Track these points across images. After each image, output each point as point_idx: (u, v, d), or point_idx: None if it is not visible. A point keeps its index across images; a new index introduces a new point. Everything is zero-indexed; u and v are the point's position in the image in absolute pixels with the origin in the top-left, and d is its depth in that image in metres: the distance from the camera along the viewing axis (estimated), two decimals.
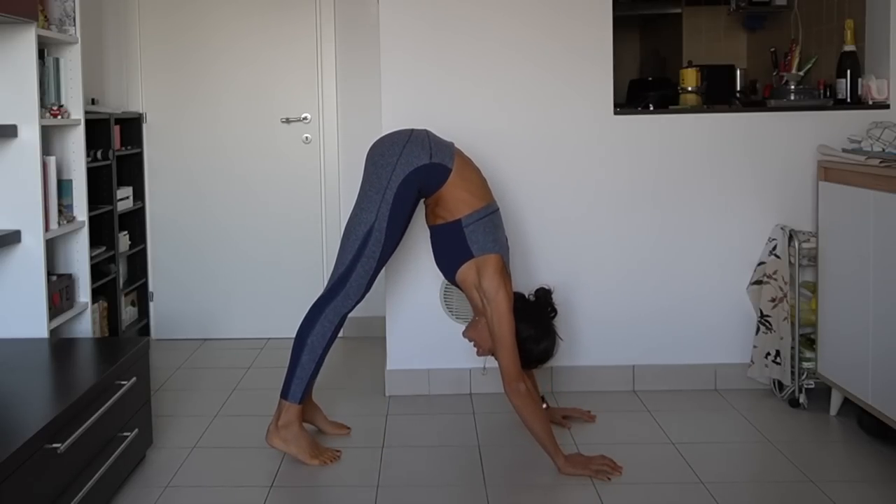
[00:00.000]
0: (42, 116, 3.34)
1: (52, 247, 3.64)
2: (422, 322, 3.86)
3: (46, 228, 3.35)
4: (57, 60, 3.57)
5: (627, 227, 3.84)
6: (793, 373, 3.61)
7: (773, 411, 3.59)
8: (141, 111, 4.87)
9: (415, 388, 3.86)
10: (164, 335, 4.90)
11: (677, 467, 3.06)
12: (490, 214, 3.18)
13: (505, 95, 3.81)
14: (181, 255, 4.92)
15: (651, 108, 3.86)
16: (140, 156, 4.84)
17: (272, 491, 2.92)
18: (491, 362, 3.24)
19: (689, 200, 3.83)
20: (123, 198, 4.53)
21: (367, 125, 4.75)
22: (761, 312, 3.70)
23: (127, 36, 4.85)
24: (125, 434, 2.86)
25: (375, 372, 4.11)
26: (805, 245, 3.62)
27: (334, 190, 4.89)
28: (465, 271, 3.14)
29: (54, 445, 2.32)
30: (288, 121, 4.89)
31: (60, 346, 3.19)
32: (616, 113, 3.82)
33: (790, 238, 3.63)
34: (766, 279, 3.69)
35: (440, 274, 3.79)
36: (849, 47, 3.83)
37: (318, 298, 3.19)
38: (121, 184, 4.58)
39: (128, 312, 4.67)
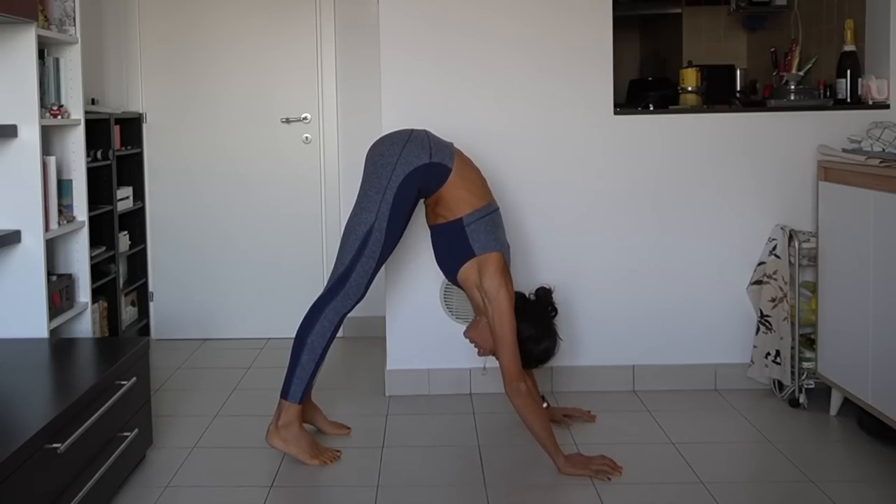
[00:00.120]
0: (42, 116, 3.34)
1: (52, 247, 3.64)
2: (422, 322, 3.86)
3: (46, 228, 3.35)
4: (57, 60, 3.57)
5: (627, 227, 3.84)
6: (793, 373, 3.61)
7: (773, 411, 3.59)
8: (141, 111, 4.87)
9: (415, 388, 3.86)
10: (164, 335, 4.90)
11: (677, 467, 3.06)
12: (491, 213, 3.19)
13: (505, 95, 3.81)
14: (181, 255, 4.92)
15: (651, 108, 3.86)
16: (140, 156, 4.84)
17: (272, 491, 2.92)
18: (492, 362, 3.24)
19: (689, 200, 3.83)
20: (123, 198, 4.53)
21: (367, 125, 4.75)
22: (761, 312, 3.70)
23: (127, 36, 4.85)
24: (125, 434, 2.86)
25: (375, 372, 4.11)
26: (805, 245, 3.62)
27: (334, 190, 4.89)
28: (467, 270, 3.15)
29: (54, 445, 2.32)
30: (288, 121, 4.89)
31: (60, 346, 3.19)
32: (616, 113, 3.82)
33: (790, 238, 3.63)
34: (766, 279, 3.69)
35: (440, 274, 3.80)
36: (849, 47, 3.83)
37: (318, 298, 3.19)
38: (121, 184, 4.58)
39: (128, 312, 4.67)
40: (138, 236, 4.80)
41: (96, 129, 4.24)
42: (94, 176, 4.15)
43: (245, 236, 4.91)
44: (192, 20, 4.86)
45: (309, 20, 4.85)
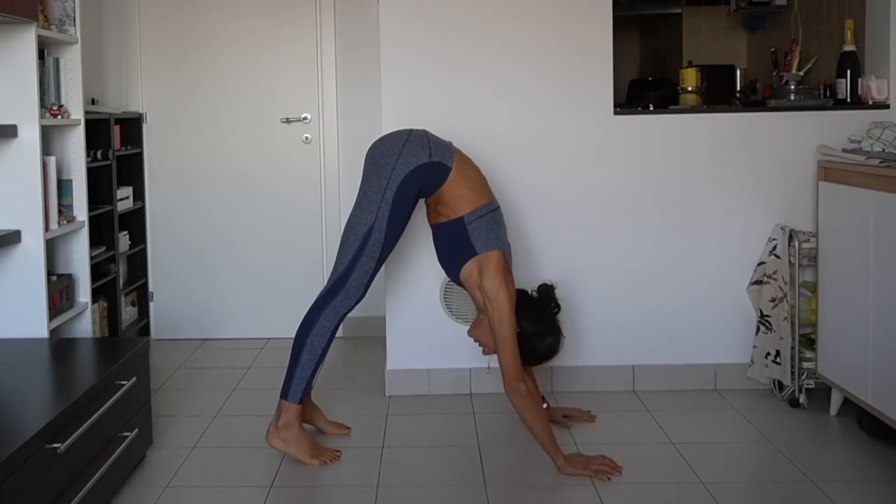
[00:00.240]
0: (42, 116, 3.34)
1: (52, 247, 3.64)
2: (422, 322, 3.86)
3: (46, 228, 3.35)
4: (57, 60, 3.57)
5: (627, 227, 3.84)
6: (793, 373, 3.61)
7: (773, 411, 3.59)
8: (141, 111, 4.87)
9: (415, 388, 3.86)
10: (164, 335, 4.90)
11: (677, 467, 3.06)
12: (492, 211, 3.19)
13: (505, 95, 3.81)
14: (181, 255, 4.92)
15: (651, 108, 3.86)
16: (140, 156, 4.84)
17: (272, 491, 2.92)
18: (495, 361, 3.24)
19: (689, 200, 3.83)
20: (123, 198, 4.53)
21: (367, 125, 4.75)
22: (761, 312, 3.70)
23: (127, 36, 4.85)
24: (125, 434, 2.86)
25: (375, 372, 4.11)
26: (805, 245, 3.62)
27: (334, 190, 4.89)
28: (468, 269, 3.15)
29: (54, 445, 2.32)
30: (288, 121, 4.89)
31: (60, 346, 3.19)
32: (616, 113, 3.82)
33: (790, 238, 3.63)
34: (766, 279, 3.69)
35: (440, 274, 3.80)
36: (849, 47, 3.83)
37: (318, 298, 3.19)
38: (121, 184, 4.58)
39: (128, 312, 4.67)
40: (138, 236, 4.80)
41: (96, 129, 4.24)
42: (94, 176, 4.15)
43: (245, 236, 4.91)
44: (192, 20, 4.86)
45: (309, 20, 4.85)
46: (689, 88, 4.01)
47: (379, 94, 3.95)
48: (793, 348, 3.60)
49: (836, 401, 3.52)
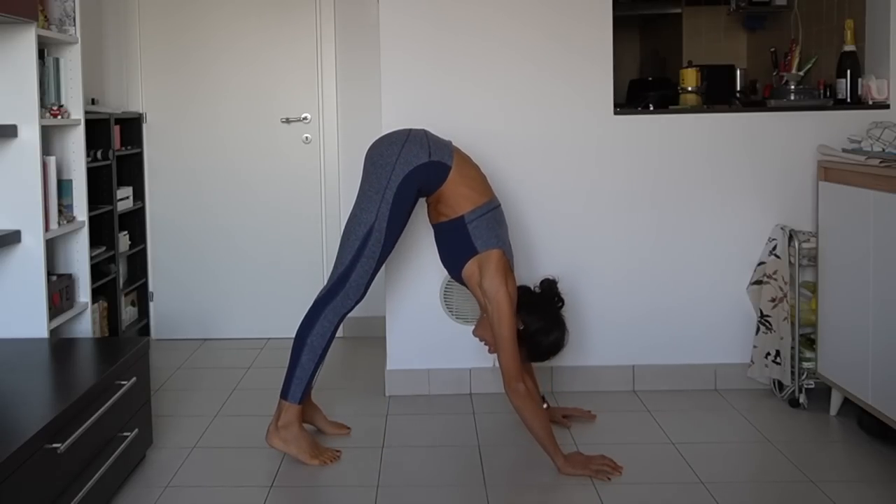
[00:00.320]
0: (42, 116, 3.34)
1: (52, 247, 3.64)
2: (422, 322, 3.86)
3: (46, 228, 3.35)
4: (57, 60, 3.57)
5: (627, 227, 3.84)
6: (793, 373, 3.61)
7: (773, 411, 3.59)
8: (141, 111, 4.87)
9: (415, 388, 3.86)
10: (164, 335, 4.90)
11: (677, 467, 3.06)
12: (493, 210, 3.19)
13: (505, 96, 3.81)
14: (181, 255, 4.92)
15: (651, 108, 3.86)
16: (140, 156, 4.84)
17: (272, 491, 2.92)
18: None
19: (689, 200, 3.83)
20: (123, 198, 4.53)
21: (367, 125, 4.75)
22: (761, 312, 3.70)
23: (127, 36, 4.85)
24: (125, 434, 2.86)
25: (375, 372, 4.11)
26: (805, 245, 3.62)
27: (334, 190, 4.89)
28: (470, 268, 3.15)
29: (54, 445, 2.32)
30: (288, 121, 4.89)
31: (60, 346, 3.19)
32: (616, 113, 3.82)
33: (790, 238, 3.63)
34: (766, 279, 3.69)
35: (440, 273, 3.80)
36: (849, 47, 3.83)
37: (318, 298, 3.19)
38: (121, 184, 4.58)
39: (128, 312, 4.67)
40: (138, 236, 4.80)
41: (96, 129, 4.24)
42: (94, 176, 4.15)
43: (245, 236, 4.91)
44: (192, 20, 4.86)
45: (309, 20, 4.85)
46: (689, 88, 4.01)
47: (379, 94, 3.95)
48: (793, 348, 3.60)
49: (836, 401, 3.52)
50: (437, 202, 3.22)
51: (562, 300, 3.24)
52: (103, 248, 4.25)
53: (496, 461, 3.13)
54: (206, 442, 3.34)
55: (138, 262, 4.86)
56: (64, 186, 3.62)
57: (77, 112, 3.64)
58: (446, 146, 3.24)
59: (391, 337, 3.89)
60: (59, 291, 3.49)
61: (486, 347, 3.27)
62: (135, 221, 4.77)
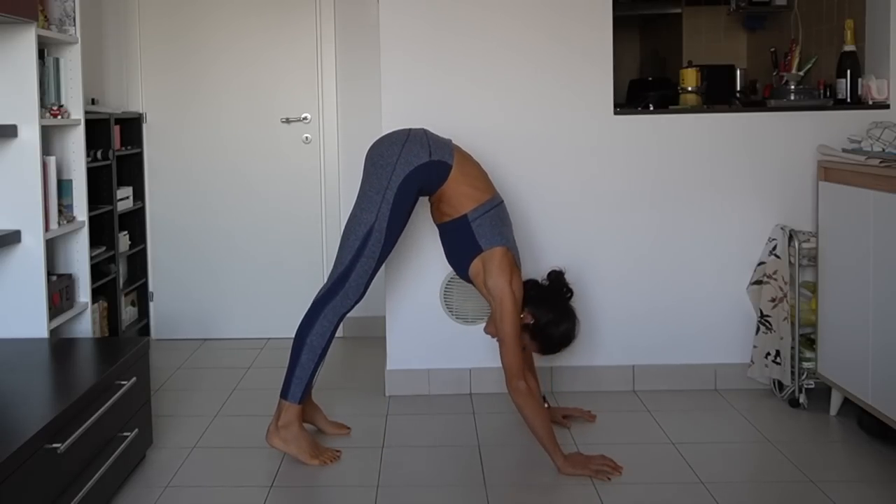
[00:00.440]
0: (42, 116, 3.34)
1: (52, 247, 3.64)
2: (422, 322, 3.86)
3: (46, 228, 3.35)
4: (57, 60, 3.57)
5: (627, 227, 3.84)
6: (793, 373, 3.61)
7: (773, 411, 3.59)
8: (141, 111, 4.87)
9: (415, 388, 3.86)
10: (164, 335, 4.90)
11: (677, 467, 3.06)
12: (496, 207, 3.20)
13: (505, 96, 3.81)
14: (181, 255, 4.92)
15: (651, 108, 3.86)
16: (140, 156, 4.84)
17: (272, 491, 2.92)
18: None
19: (689, 200, 3.83)
20: (123, 198, 4.53)
21: (367, 125, 4.75)
22: (761, 312, 3.70)
23: (127, 36, 4.85)
24: (125, 434, 2.86)
25: (375, 372, 4.11)
26: (805, 245, 3.62)
27: (334, 190, 4.89)
28: (475, 267, 3.16)
29: (54, 445, 2.32)
30: (288, 121, 4.89)
31: (60, 346, 3.19)
32: (616, 113, 3.82)
33: (790, 238, 3.63)
34: (766, 279, 3.69)
35: (440, 273, 3.81)
36: (849, 47, 3.83)
37: (317, 298, 3.19)
38: (121, 184, 4.58)
39: (128, 312, 4.67)
40: (138, 236, 4.80)
41: (96, 129, 4.24)
42: (94, 176, 4.15)
43: (245, 236, 4.91)
44: (192, 20, 4.86)
45: (309, 20, 4.85)
46: (689, 88, 4.01)
47: (379, 94, 3.95)
48: (793, 348, 3.60)
49: (836, 401, 3.52)
50: (439, 202, 3.22)
51: (570, 291, 3.24)
52: (103, 248, 4.25)
53: (496, 461, 3.13)
54: (206, 442, 3.34)
55: (138, 262, 4.86)
56: (64, 186, 3.62)
57: (77, 112, 3.64)
58: (446, 145, 3.24)
59: (391, 337, 3.89)
60: (59, 291, 3.49)
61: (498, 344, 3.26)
62: (135, 221, 4.77)
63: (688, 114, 3.83)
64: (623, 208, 3.84)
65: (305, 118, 4.89)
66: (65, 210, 3.62)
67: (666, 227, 3.84)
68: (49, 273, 3.45)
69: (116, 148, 4.44)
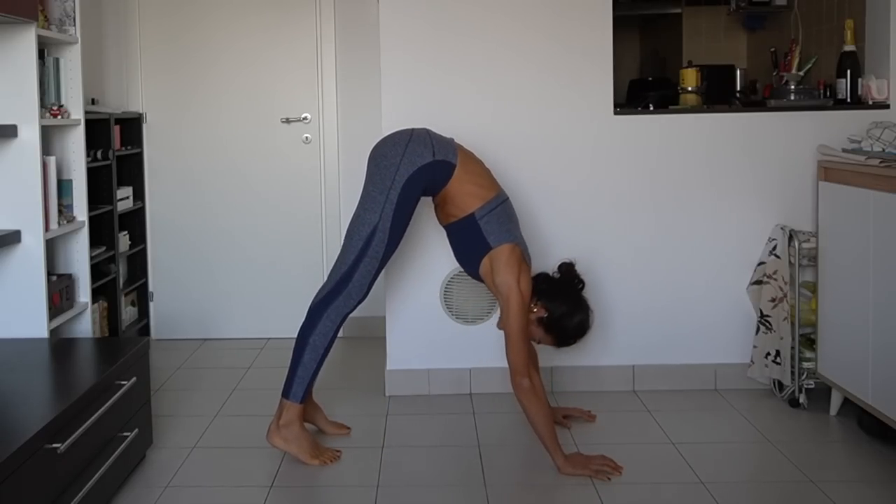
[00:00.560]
0: (42, 116, 3.34)
1: (52, 247, 3.64)
2: (422, 322, 3.86)
3: (46, 228, 3.35)
4: (57, 60, 3.57)
5: (627, 227, 3.84)
6: (793, 373, 3.61)
7: (773, 411, 3.59)
8: (141, 111, 4.87)
9: (415, 388, 3.86)
10: (164, 335, 4.90)
11: (677, 467, 3.06)
12: (502, 204, 3.20)
13: (505, 96, 3.81)
14: (181, 255, 4.92)
15: (651, 108, 3.86)
16: (140, 156, 4.84)
17: (272, 491, 2.92)
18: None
19: (689, 200, 3.83)
20: (123, 198, 4.53)
21: (367, 125, 4.75)
22: (761, 312, 3.70)
23: (127, 36, 4.85)
24: (125, 434, 2.86)
25: (375, 372, 4.11)
26: (805, 245, 3.62)
27: (334, 190, 4.89)
28: (485, 265, 3.17)
29: (54, 445, 2.32)
30: (288, 121, 4.89)
31: (60, 346, 3.19)
32: (616, 113, 3.82)
33: (790, 238, 3.63)
34: (766, 279, 3.69)
35: (440, 273, 3.81)
36: (849, 47, 3.83)
37: (321, 298, 3.19)
38: (121, 184, 4.58)
39: (128, 312, 4.67)
40: (138, 236, 4.80)
41: (96, 129, 4.24)
42: (94, 176, 4.15)
43: (245, 236, 4.91)
44: (192, 20, 4.86)
45: (309, 20, 4.85)
46: (689, 88, 4.01)
47: (379, 94, 3.95)
48: (793, 348, 3.60)
49: (836, 401, 3.52)
50: (444, 203, 3.22)
51: (582, 282, 3.25)
52: (103, 248, 4.25)
53: (496, 461, 3.13)
54: (206, 442, 3.34)
55: (138, 262, 4.86)
56: (64, 186, 3.62)
57: (77, 112, 3.64)
58: (449, 144, 3.24)
59: (391, 337, 3.89)
60: (59, 291, 3.49)
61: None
62: (135, 221, 4.77)
63: (688, 114, 3.83)
64: (623, 208, 3.84)
65: (305, 118, 4.89)
66: (65, 210, 3.62)
67: (666, 226, 3.84)
68: (49, 273, 3.45)
69: (116, 148, 4.44)
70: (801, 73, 3.93)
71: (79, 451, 2.50)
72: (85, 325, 3.66)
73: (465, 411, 3.65)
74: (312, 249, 4.91)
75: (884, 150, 3.36)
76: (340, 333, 4.52)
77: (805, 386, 3.60)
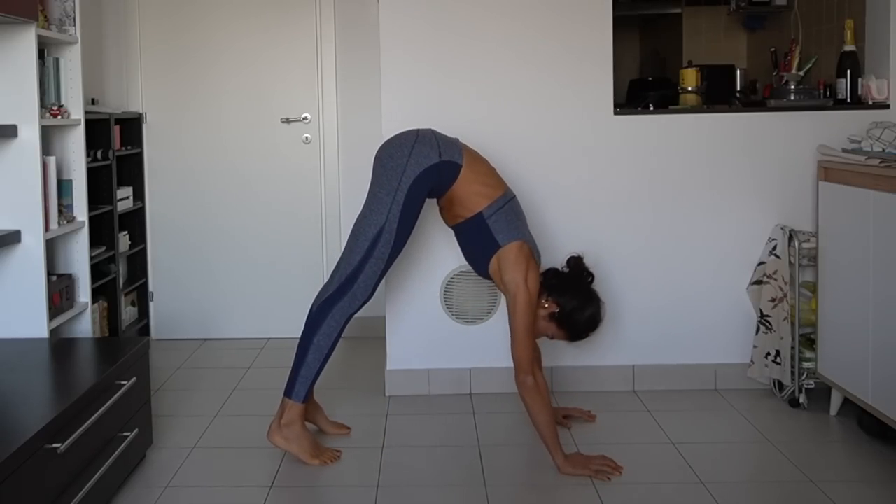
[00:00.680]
0: (42, 116, 3.34)
1: (52, 247, 3.64)
2: (422, 322, 3.86)
3: (46, 228, 3.35)
4: (57, 60, 3.57)
5: (627, 227, 3.84)
6: (793, 373, 3.61)
7: (773, 411, 3.59)
8: (141, 111, 4.87)
9: (415, 388, 3.86)
10: (164, 335, 4.90)
11: (677, 467, 3.06)
12: (509, 202, 3.21)
13: (505, 96, 3.81)
14: (181, 255, 4.92)
15: (651, 108, 3.86)
16: (140, 156, 4.84)
17: (272, 491, 2.92)
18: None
19: (689, 200, 3.83)
20: (123, 198, 4.53)
21: (367, 125, 4.75)
22: (761, 312, 3.70)
23: (127, 36, 4.85)
24: (125, 434, 2.86)
25: (375, 372, 4.11)
26: (805, 245, 3.62)
27: (334, 190, 4.89)
28: (493, 264, 3.17)
29: (54, 445, 2.32)
30: (288, 121, 4.89)
31: (60, 346, 3.19)
32: (616, 113, 3.82)
33: (790, 238, 3.63)
34: (766, 279, 3.69)
35: (440, 273, 3.81)
36: (849, 47, 3.83)
37: (325, 299, 3.18)
38: (121, 184, 4.58)
39: (128, 312, 4.67)
40: (138, 236, 4.80)
41: (96, 129, 4.24)
42: (94, 176, 4.15)
43: (245, 236, 4.91)
44: (192, 20, 4.86)
45: (309, 20, 4.85)
46: (689, 88, 4.01)
47: (379, 94, 3.95)
48: (793, 348, 3.60)
49: (836, 401, 3.52)
50: (451, 204, 3.22)
51: (591, 275, 3.25)
52: (103, 248, 4.25)
53: (496, 461, 3.13)
54: (206, 442, 3.34)
55: (138, 262, 4.86)
56: (64, 186, 3.62)
57: (77, 112, 3.64)
58: (455, 144, 3.24)
59: (391, 337, 3.89)
60: (59, 291, 3.49)
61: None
62: (135, 221, 4.77)
63: (688, 114, 3.83)
64: (623, 208, 3.84)
65: (305, 118, 4.89)
66: (65, 210, 3.62)
67: (666, 227, 3.84)
68: (49, 273, 3.45)
69: (116, 148, 4.44)
70: (801, 73, 3.93)
71: (79, 451, 2.50)
72: (85, 325, 3.66)
73: (465, 411, 3.65)
74: (312, 249, 4.91)
75: (884, 150, 3.36)
76: None
77: (805, 386, 3.60)
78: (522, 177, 3.81)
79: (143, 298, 4.88)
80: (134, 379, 2.91)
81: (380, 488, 2.92)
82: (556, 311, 3.15)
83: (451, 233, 3.36)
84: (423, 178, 3.14)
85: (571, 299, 3.15)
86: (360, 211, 3.22)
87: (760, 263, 3.78)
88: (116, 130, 4.45)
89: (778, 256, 3.65)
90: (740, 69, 5.08)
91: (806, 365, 3.61)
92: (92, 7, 4.52)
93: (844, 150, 3.51)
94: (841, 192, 3.40)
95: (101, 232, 4.27)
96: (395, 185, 3.13)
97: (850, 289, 3.32)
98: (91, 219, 3.87)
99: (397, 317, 3.88)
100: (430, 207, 3.53)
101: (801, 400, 3.60)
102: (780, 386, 3.72)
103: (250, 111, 4.88)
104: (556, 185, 3.83)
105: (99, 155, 4.19)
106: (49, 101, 3.51)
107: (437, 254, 3.83)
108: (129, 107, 4.86)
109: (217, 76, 4.87)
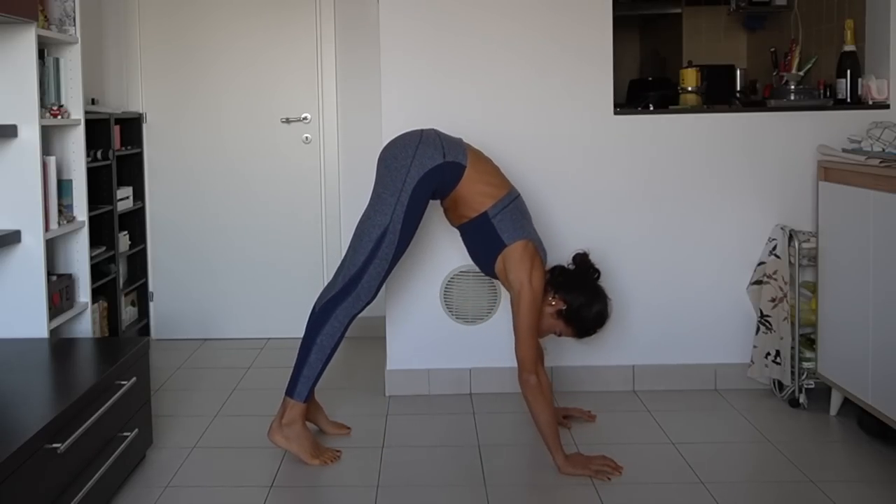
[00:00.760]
0: (42, 116, 3.34)
1: (52, 247, 3.64)
2: (422, 322, 3.86)
3: (46, 228, 3.35)
4: (57, 60, 3.57)
5: (627, 227, 3.84)
6: (793, 373, 3.61)
7: (773, 411, 3.59)
8: (141, 111, 4.87)
9: (415, 388, 3.86)
10: (164, 335, 4.90)
11: (677, 467, 3.06)
12: (514, 200, 3.21)
13: (505, 96, 3.81)
14: (181, 255, 4.92)
15: (651, 108, 3.86)
16: (140, 156, 4.84)
17: (272, 491, 2.92)
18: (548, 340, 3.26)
19: (689, 200, 3.83)
20: (123, 198, 4.53)
21: (367, 125, 4.75)
22: (761, 312, 3.70)
23: (127, 36, 4.85)
24: (125, 434, 2.86)
25: (375, 372, 4.11)
26: (805, 245, 3.62)
27: (334, 190, 4.89)
28: (499, 264, 3.17)
29: (54, 445, 2.32)
30: (288, 121, 4.89)
31: (60, 346, 3.19)
32: (616, 113, 3.82)
33: (790, 238, 3.63)
34: (766, 279, 3.69)
35: (440, 273, 3.81)
36: (849, 47, 3.83)
37: (329, 299, 3.18)
38: (121, 184, 4.58)
39: (128, 312, 4.67)
40: (138, 236, 4.80)
41: (96, 129, 4.24)
42: (94, 176, 4.15)
43: (245, 236, 4.91)
44: (192, 20, 4.86)
45: (309, 20, 4.85)
46: (689, 88, 4.01)
47: (379, 94, 3.95)
48: (793, 348, 3.60)
49: (836, 401, 3.52)
50: (455, 205, 3.22)
51: (597, 271, 3.25)
52: (103, 248, 4.25)
53: (496, 461, 3.13)
54: (206, 442, 3.34)
55: (138, 262, 4.86)
56: (64, 186, 3.62)
57: (77, 112, 3.64)
58: (458, 145, 3.24)
59: (391, 337, 3.89)
60: (59, 291, 3.49)
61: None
62: (135, 221, 4.77)
63: (688, 114, 3.83)
64: (623, 208, 3.84)
65: (305, 118, 4.89)
66: (65, 210, 3.62)
67: (666, 227, 3.84)
68: (49, 273, 3.46)
69: (116, 148, 4.44)
70: (801, 73, 3.93)
71: (79, 451, 2.50)
72: (85, 325, 3.66)
73: (465, 411, 3.65)
74: (312, 249, 4.91)
75: (884, 150, 3.36)
76: None
77: (805, 386, 3.60)
78: (522, 177, 3.81)
79: (143, 298, 4.88)
80: (134, 379, 2.91)
81: (380, 488, 2.92)
82: (564, 308, 3.15)
83: (452, 233, 3.36)
84: (427, 179, 3.14)
85: (579, 296, 3.15)
86: (362, 211, 3.22)
87: (760, 263, 3.78)
88: (116, 130, 4.45)
89: (778, 256, 3.65)
90: (740, 69, 5.08)
91: (806, 365, 3.61)
92: (92, 7, 4.52)
93: (844, 150, 3.51)
94: (841, 192, 3.40)
95: (101, 232, 4.27)
96: (399, 186, 3.13)
97: (850, 289, 3.32)
98: (91, 219, 3.88)
99: (397, 317, 3.88)
100: (432, 207, 3.52)
101: (801, 400, 3.60)
102: (780, 386, 3.73)
103: (250, 111, 4.88)
104: (555, 185, 3.83)
105: (99, 155, 4.19)
106: (49, 101, 3.51)
107: (438, 254, 3.83)
108: (129, 107, 4.86)
109: (217, 76, 4.87)
